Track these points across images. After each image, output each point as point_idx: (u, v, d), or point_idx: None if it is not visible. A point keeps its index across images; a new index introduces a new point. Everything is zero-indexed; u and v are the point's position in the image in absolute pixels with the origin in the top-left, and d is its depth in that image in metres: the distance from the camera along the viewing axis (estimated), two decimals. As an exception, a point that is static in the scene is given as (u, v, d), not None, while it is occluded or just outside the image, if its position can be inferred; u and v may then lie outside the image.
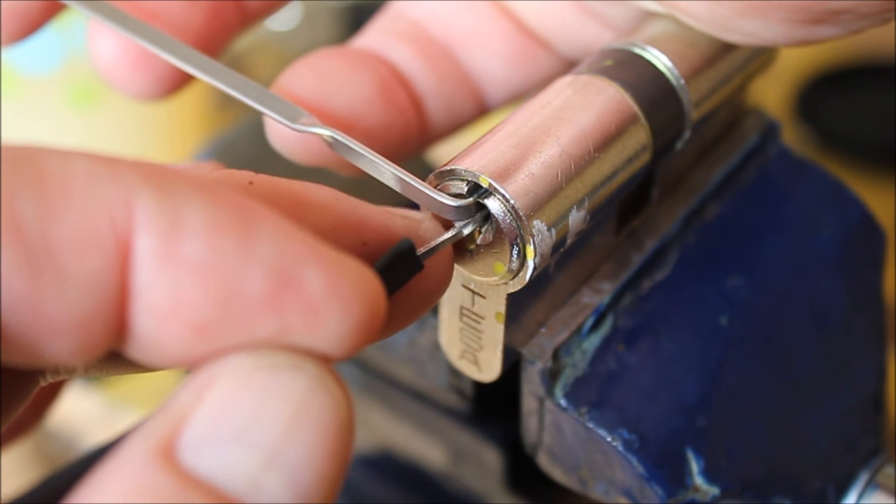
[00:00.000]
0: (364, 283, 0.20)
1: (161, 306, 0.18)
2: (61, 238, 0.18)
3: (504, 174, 0.24)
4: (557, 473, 0.30)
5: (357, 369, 0.37)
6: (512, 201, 0.24)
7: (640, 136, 0.26)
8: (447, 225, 0.25)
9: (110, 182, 0.18)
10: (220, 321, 0.19)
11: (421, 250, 0.23)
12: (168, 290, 0.18)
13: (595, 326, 0.28)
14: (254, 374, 0.19)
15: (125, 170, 0.19)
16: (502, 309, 0.26)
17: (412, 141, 0.31)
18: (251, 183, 0.22)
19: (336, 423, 0.19)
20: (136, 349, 0.19)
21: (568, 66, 0.32)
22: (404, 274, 0.22)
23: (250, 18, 0.32)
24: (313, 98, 0.29)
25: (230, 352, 0.19)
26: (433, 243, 0.23)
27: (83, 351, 0.18)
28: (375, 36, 0.32)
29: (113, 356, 0.20)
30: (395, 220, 0.23)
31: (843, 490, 0.31)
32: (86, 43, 0.31)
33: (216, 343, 0.19)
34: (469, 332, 0.28)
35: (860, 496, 0.31)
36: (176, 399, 0.19)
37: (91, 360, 0.19)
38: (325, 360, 0.19)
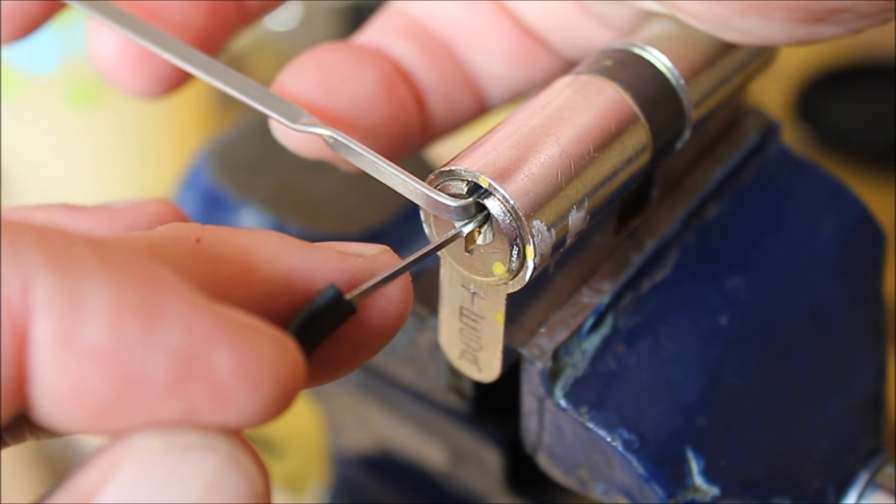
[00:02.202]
0: (277, 356, 0.19)
1: (59, 391, 0.18)
2: None
3: (504, 174, 0.24)
4: (557, 473, 0.30)
5: (357, 369, 0.37)
6: (512, 201, 0.24)
7: (639, 136, 0.26)
8: (451, 229, 0.25)
9: (8, 263, 0.18)
10: (121, 406, 0.18)
11: (353, 293, 0.22)
12: (66, 375, 0.18)
13: (595, 326, 0.28)
14: (162, 455, 0.18)
15: (27, 247, 0.18)
16: (502, 309, 0.26)
17: (413, 137, 0.31)
18: (198, 240, 0.21)
19: (249, 499, 0.19)
20: (43, 424, 0.19)
21: (568, 65, 0.32)
22: (334, 321, 0.22)
23: (250, 17, 0.32)
24: (317, 92, 0.29)
25: (138, 429, 0.18)
26: (366, 285, 0.22)
27: None
28: (377, 32, 0.32)
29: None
30: (349, 262, 0.22)
31: (843, 490, 0.31)
32: (86, 42, 0.31)
33: (121, 424, 0.18)
34: (469, 332, 0.28)
35: (860, 496, 0.31)
36: (80, 479, 0.18)
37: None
38: (238, 437, 0.19)
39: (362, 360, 0.23)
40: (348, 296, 0.22)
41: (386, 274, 0.22)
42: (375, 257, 0.23)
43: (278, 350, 0.19)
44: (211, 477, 0.18)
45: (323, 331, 0.22)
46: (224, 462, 0.18)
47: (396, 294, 0.23)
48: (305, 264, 0.22)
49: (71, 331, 0.18)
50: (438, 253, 0.26)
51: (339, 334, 0.22)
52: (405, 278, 0.23)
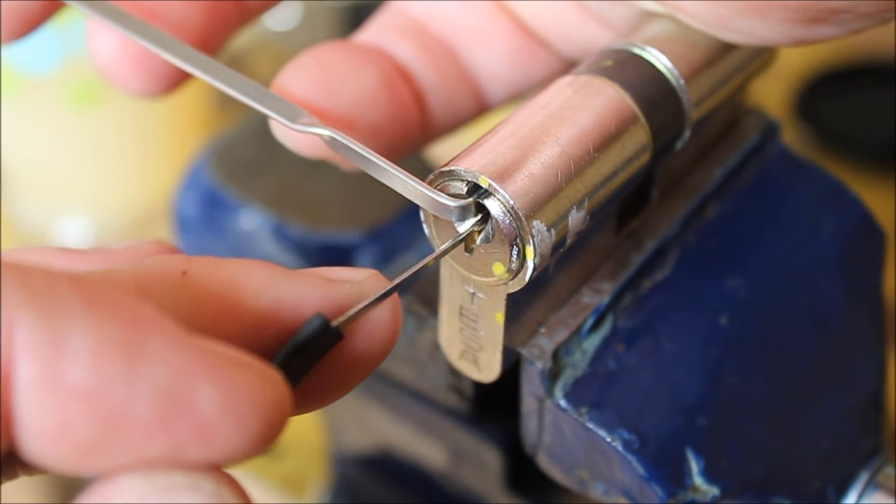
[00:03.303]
0: (262, 390, 0.19)
1: (44, 432, 0.18)
2: None
3: (504, 174, 0.24)
4: (557, 473, 0.30)
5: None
6: (512, 202, 0.24)
7: (639, 137, 0.26)
8: (451, 229, 0.25)
9: None
10: (107, 444, 0.18)
11: (339, 319, 0.22)
12: (51, 416, 0.18)
13: (595, 326, 0.28)
14: (147, 496, 0.18)
15: (9, 288, 0.18)
16: (502, 309, 0.26)
17: (414, 136, 0.31)
18: (184, 273, 0.21)
19: None
20: (31, 462, 0.19)
21: (568, 65, 0.32)
22: (321, 349, 0.22)
23: (249, 16, 0.32)
24: (318, 91, 0.29)
25: (125, 468, 0.19)
26: (352, 311, 0.22)
27: None
28: (377, 31, 0.32)
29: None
30: (336, 288, 0.22)
31: (843, 490, 0.31)
32: (86, 42, 0.31)
33: (107, 463, 0.18)
34: (469, 332, 0.28)
35: (860, 496, 0.31)
36: None
37: None
38: (222, 474, 0.19)
39: (351, 385, 0.23)
40: (334, 322, 0.22)
41: (372, 298, 0.22)
42: (363, 282, 0.23)
43: (263, 384, 0.19)
44: None
45: (310, 360, 0.22)
46: (210, 501, 0.19)
47: (384, 318, 0.23)
48: (292, 293, 0.22)
49: (53, 371, 0.18)
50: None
51: (327, 361, 0.22)
52: (393, 300, 0.23)
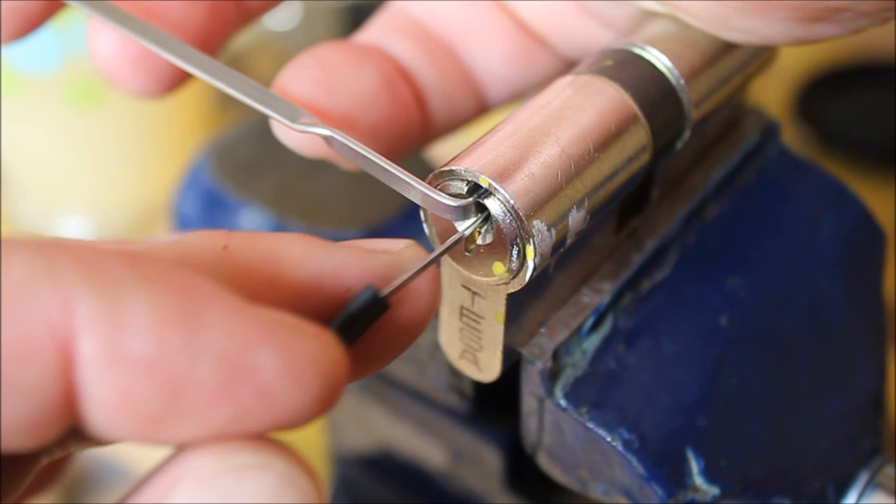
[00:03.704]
0: (320, 354, 0.19)
1: (110, 404, 0.18)
2: None
3: (504, 174, 0.24)
4: (557, 473, 0.30)
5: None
6: (512, 201, 0.24)
7: (639, 136, 0.26)
8: (451, 229, 0.25)
9: (48, 285, 0.18)
10: (172, 413, 0.18)
11: (386, 290, 0.22)
12: (115, 388, 0.18)
13: (595, 326, 0.28)
14: (218, 477, 0.18)
15: (64, 267, 0.18)
16: (502, 309, 0.26)
17: (414, 136, 0.31)
18: (226, 247, 0.21)
19: None
20: (97, 435, 0.19)
21: (568, 65, 0.32)
22: (370, 318, 0.22)
23: (249, 16, 0.32)
24: (318, 90, 0.29)
25: (189, 437, 0.19)
26: (397, 281, 0.22)
27: (39, 445, 0.18)
28: (377, 31, 0.32)
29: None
30: (375, 259, 0.22)
31: (843, 490, 0.31)
32: (86, 42, 0.31)
33: (174, 432, 0.19)
34: (469, 332, 0.28)
35: (860, 496, 0.31)
36: (138, 498, 0.19)
37: (51, 445, 0.19)
38: (292, 453, 0.19)
39: (394, 355, 0.23)
40: (381, 293, 0.22)
41: (415, 269, 0.23)
42: (401, 252, 0.23)
43: (320, 346, 0.19)
44: (267, 498, 0.19)
45: (359, 329, 0.22)
46: (280, 482, 0.19)
47: (424, 287, 0.23)
48: (332, 264, 0.22)
49: (116, 344, 0.18)
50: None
51: (372, 332, 0.22)
52: (432, 271, 0.23)
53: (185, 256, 0.21)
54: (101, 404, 0.18)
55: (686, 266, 0.30)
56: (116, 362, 0.18)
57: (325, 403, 0.19)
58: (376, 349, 0.23)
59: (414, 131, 0.31)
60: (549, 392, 0.27)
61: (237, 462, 0.19)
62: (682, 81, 0.27)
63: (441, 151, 0.36)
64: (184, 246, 0.21)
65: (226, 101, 0.72)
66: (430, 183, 0.25)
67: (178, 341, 0.18)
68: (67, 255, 0.18)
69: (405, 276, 0.22)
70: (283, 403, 0.19)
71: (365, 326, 0.22)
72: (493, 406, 0.33)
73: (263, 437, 0.19)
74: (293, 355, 0.19)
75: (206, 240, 0.21)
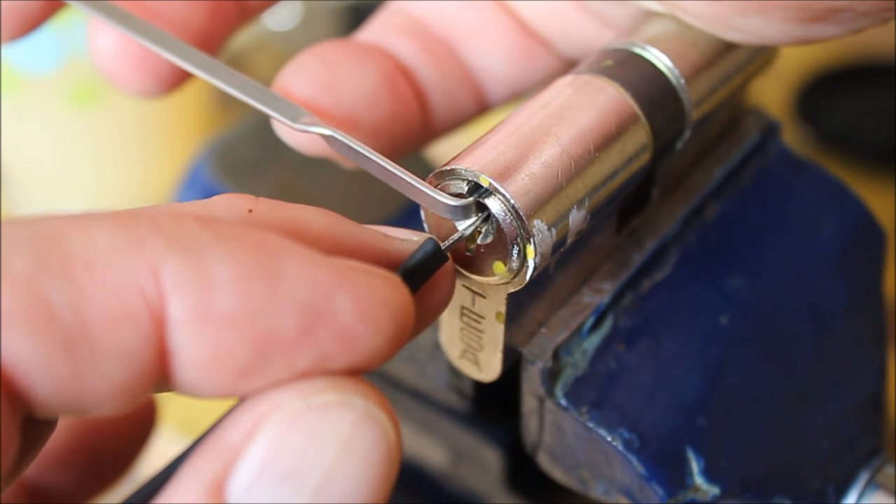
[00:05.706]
0: (391, 296, 0.20)
1: (201, 361, 0.19)
2: (94, 318, 0.18)
3: (504, 174, 0.24)
4: (557, 473, 0.30)
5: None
6: (512, 201, 0.24)
7: (640, 136, 0.26)
8: (451, 229, 0.25)
9: (134, 253, 0.19)
10: (260, 364, 0.19)
11: (445, 243, 0.24)
12: (206, 346, 0.19)
13: (595, 326, 0.28)
14: (302, 414, 0.19)
15: (147, 235, 0.19)
16: (502, 309, 0.26)
17: (415, 135, 0.31)
18: (251, 210, 0.22)
19: (382, 453, 0.20)
20: (183, 391, 0.20)
21: (568, 65, 0.32)
22: (430, 269, 0.23)
23: (249, 15, 0.32)
24: (319, 89, 0.29)
25: (277, 386, 0.20)
26: (455, 236, 0.24)
27: (127, 406, 0.19)
28: (378, 30, 0.32)
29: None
30: (393, 244, 0.23)
31: (843, 490, 0.31)
32: (86, 42, 0.31)
33: (260, 382, 0.19)
34: (469, 331, 0.28)
35: (860, 496, 0.31)
36: (225, 435, 0.19)
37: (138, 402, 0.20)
38: (370, 388, 0.20)
39: (415, 334, 0.24)
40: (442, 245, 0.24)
41: (458, 235, 0.24)
42: (419, 243, 0.24)
43: (390, 288, 0.20)
44: (348, 434, 0.19)
45: (420, 279, 0.23)
46: (360, 418, 0.20)
47: (444, 273, 0.24)
48: (353, 240, 0.23)
49: (203, 304, 0.19)
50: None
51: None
52: (449, 263, 0.24)
53: (212, 216, 0.21)
54: (192, 362, 0.19)
55: (686, 266, 0.30)
56: (205, 321, 0.19)
57: (397, 342, 0.20)
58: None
59: (414, 130, 0.31)
60: (550, 392, 0.27)
61: (320, 400, 0.20)
62: (683, 81, 0.27)
63: (441, 151, 0.36)
64: (213, 207, 0.22)
65: (226, 101, 0.72)
66: (430, 182, 0.25)
67: (262, 294, 0.19)
68: (148, 223, 0.19)
69: (458, 235, 0.24)
70: (360, 344, 0.20)
71: (426, 276, 0.23)
72: (494, 406, 0.33)
73: (344, 376, 0.20)
74: (367, 298, 0.20)
75: (232, 202, 0.22)
